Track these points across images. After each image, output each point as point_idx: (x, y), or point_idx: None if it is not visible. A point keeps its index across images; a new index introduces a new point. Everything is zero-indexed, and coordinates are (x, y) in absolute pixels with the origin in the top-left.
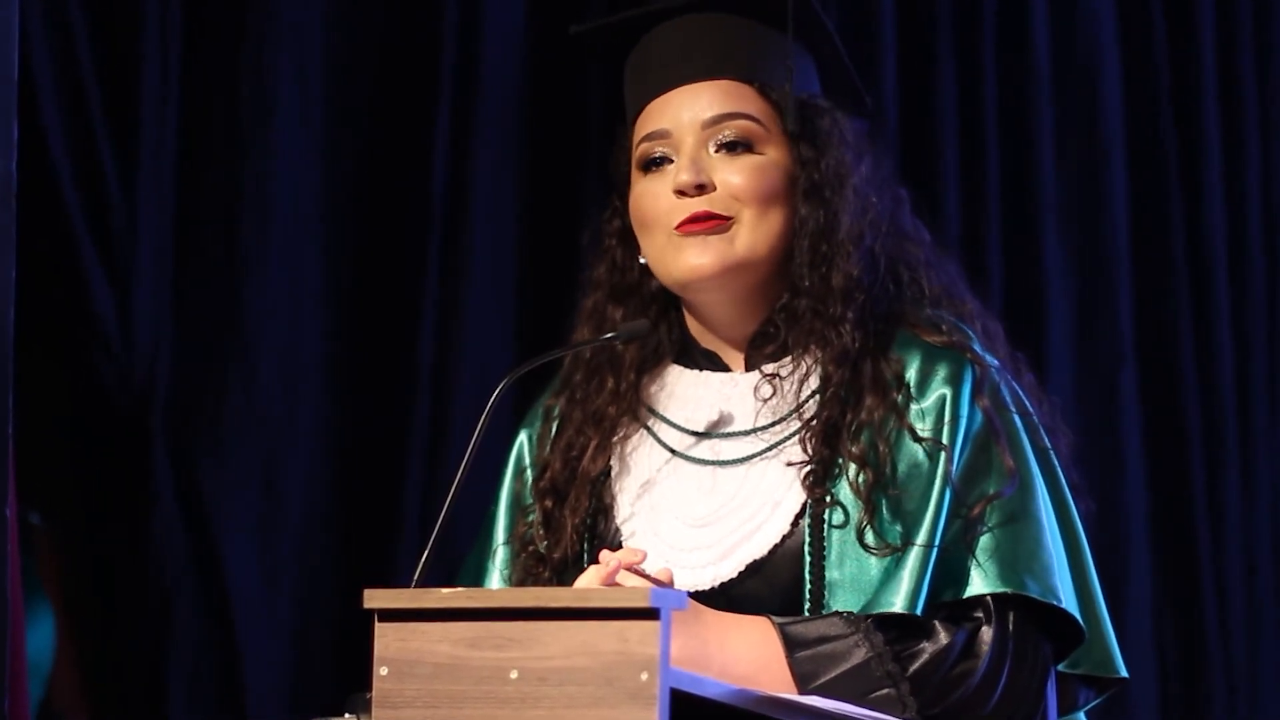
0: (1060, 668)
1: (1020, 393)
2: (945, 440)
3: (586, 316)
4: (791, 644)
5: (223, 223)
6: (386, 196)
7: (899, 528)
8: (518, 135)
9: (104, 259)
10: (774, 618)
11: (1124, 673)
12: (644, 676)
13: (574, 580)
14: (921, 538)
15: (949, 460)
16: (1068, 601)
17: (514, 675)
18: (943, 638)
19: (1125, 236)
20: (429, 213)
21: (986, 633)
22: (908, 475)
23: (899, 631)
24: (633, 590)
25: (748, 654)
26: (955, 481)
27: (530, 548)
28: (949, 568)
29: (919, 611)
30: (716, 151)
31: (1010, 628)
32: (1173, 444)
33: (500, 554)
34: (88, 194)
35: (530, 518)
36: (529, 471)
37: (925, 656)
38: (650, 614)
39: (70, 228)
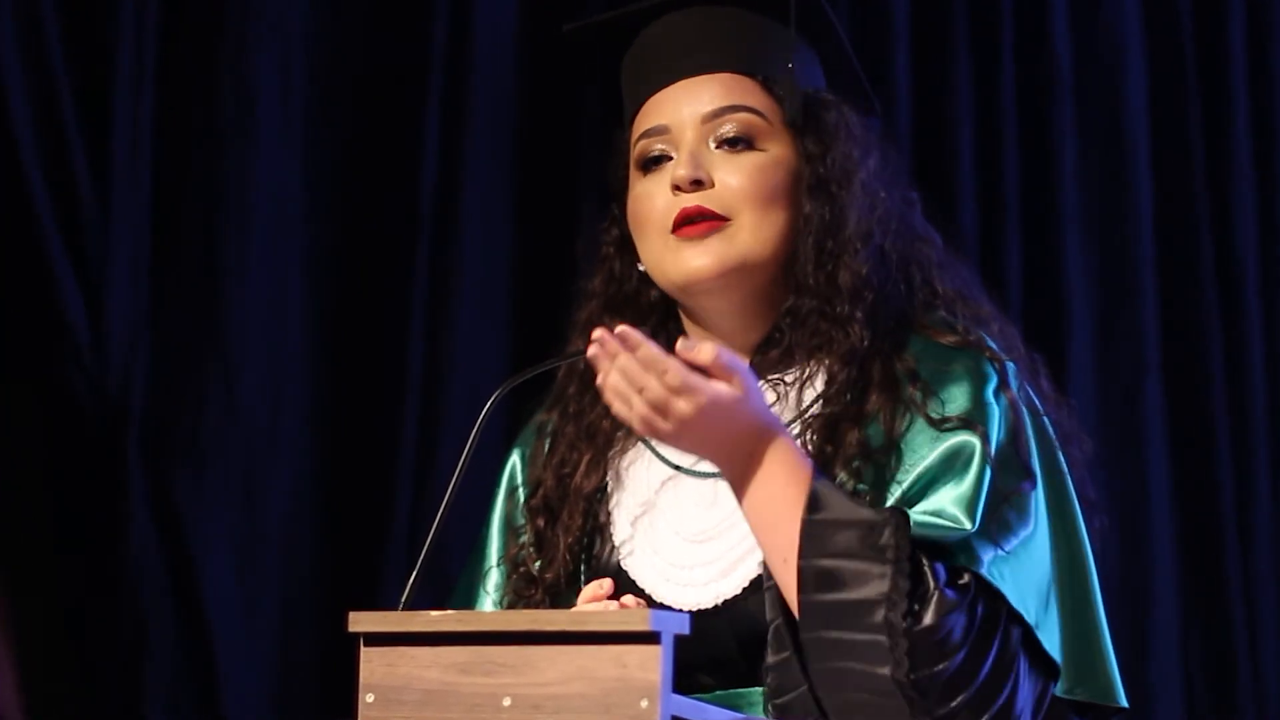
0: (1059, 692)
1: (1034, 396)
2: (980, 423)
3: (581, 328)
4: (808, 547)
5: (201, 226)
6: (373, 200)
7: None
8: (510, 136)
9: (76, 263)
10: (812, 495)
11: (1123, 702)
12: (644, 704)
13: (567, 603)
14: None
15: (986, 443)
16: (1035, 619)
17: (507, 702)
18: (949, 612)
19: (1150, 239)
20: (417, 217)
21: (965, 601)
22: (929, 461)
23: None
24: (632, 613)
25: (766, 516)
26: (994, 466)
27: (521, 569)
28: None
29: (976, 525)
30: (717, 148)
31: (982, 611)
32: (1200, 457)
33: (492, 577)
34: (59, 195)
35: (522, 538)
36: (520, 490)
37: (928, 619)
38: (650, 638)
39: (40, 230)
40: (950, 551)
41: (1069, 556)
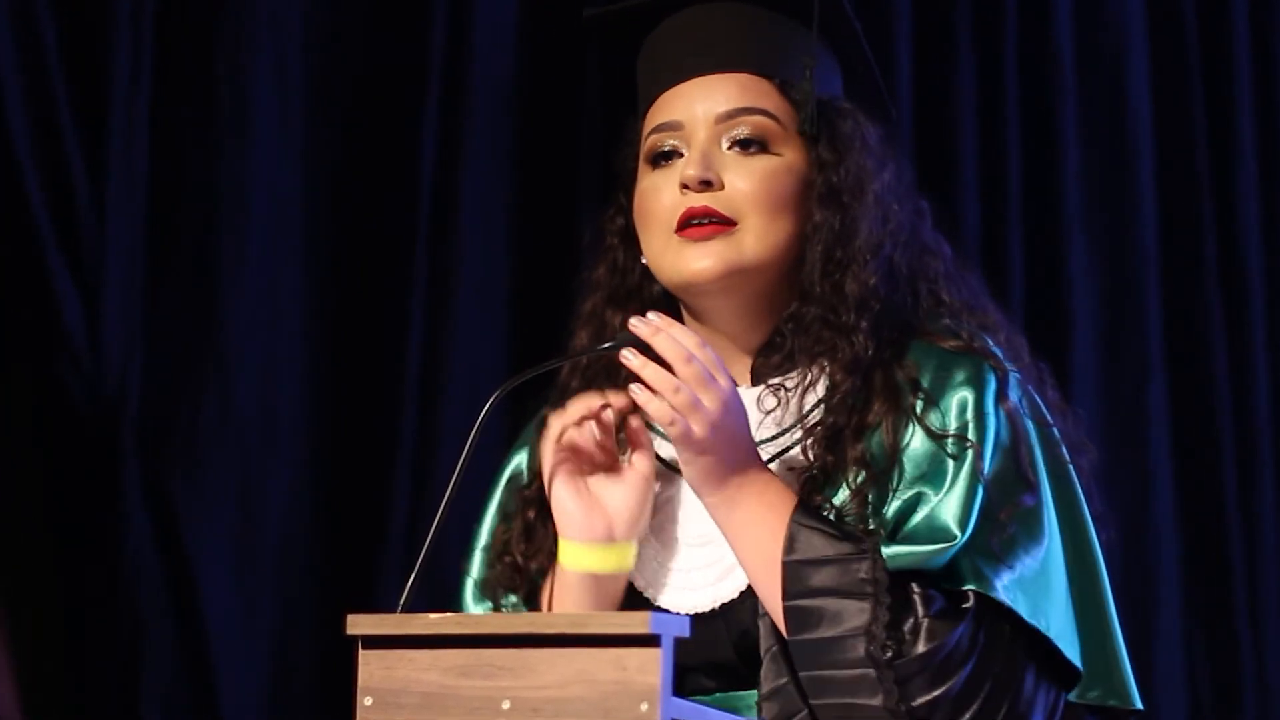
0: (1071, 697)
1: (1040, 404)
2: (973, 438)
3: (584, 320)
4: (791, 588)
5: (198, 226)
6: (372, 199)
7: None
8: (510, 136)
9: (72, 264)
10: (789, 536)
11: (1139, 705)
12: (644, 707)
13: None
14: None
15: (979, 458)
16: (1057, 632)
17: (506, 706)
18: (936, 634)
19: (1153, 239)
20: (417, 217)
21: (962, 627)
22: (924, 474)
23: (901, 595)
24: (631, 616)
25: (751, 555)
26: (988, 482)
27: (507, 559)
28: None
29: (966, 535)
30: (730, 149)
31: (985, 632)
32: (1205, 462)
33: (475, 560)
34: (55, 195)
35: (511, 527)
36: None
37: (920, 648)
38: (650, 640)
39: (36, 231)
40: (957, 573)
41: (1080, 561)
